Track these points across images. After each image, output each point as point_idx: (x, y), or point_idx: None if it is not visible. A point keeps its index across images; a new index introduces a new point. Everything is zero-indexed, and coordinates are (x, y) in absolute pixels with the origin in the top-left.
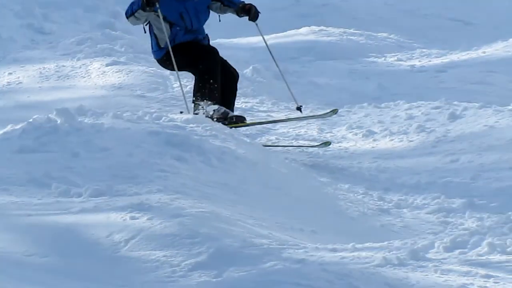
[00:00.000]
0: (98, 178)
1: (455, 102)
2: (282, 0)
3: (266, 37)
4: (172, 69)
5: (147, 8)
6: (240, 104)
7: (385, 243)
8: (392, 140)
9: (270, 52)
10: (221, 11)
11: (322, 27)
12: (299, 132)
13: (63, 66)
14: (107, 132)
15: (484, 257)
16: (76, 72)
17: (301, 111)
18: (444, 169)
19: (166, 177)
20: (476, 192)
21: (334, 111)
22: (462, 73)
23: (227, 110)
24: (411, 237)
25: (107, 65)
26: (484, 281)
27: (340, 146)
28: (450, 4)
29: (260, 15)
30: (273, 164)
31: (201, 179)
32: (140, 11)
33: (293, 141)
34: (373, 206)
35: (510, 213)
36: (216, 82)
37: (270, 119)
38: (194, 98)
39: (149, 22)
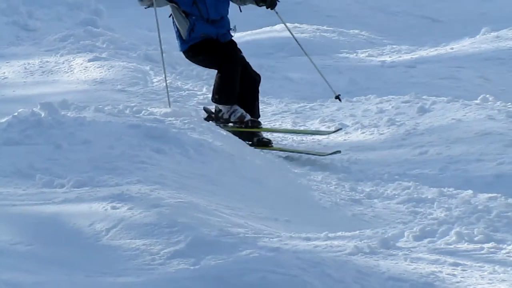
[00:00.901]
0: (81, 169)
1: (424, 97)
2: None
3: (242, 34)
4: (196, 63)
5: None
6: None
7: (357, 232)
8: (363, 133)
9: (296, 40)
10: (241, 2)
11: (296, 24)
12: (274, 125)
13: (47, 61)
14: (89, 125)
15: (452, 246)
16: (60, 68)
17: (340, 100)
18: (413, 161)
19: (145, 168)
20: (445, 183)
21: (338, 130)
22: (431, 68)
23: (244, 114)
24: (382, 226)
25: (89, 60)
26: (452, 269)
27: (313, 139)
28: (419, 2)
29: (278, 3)
30: (249, 156)
31: (179, 171)
32: None
33: (268, 134)
34: (345, 197)
35: (477, 203)
36: (235, 85)
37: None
38: (213, 99)
39: (171, 14)
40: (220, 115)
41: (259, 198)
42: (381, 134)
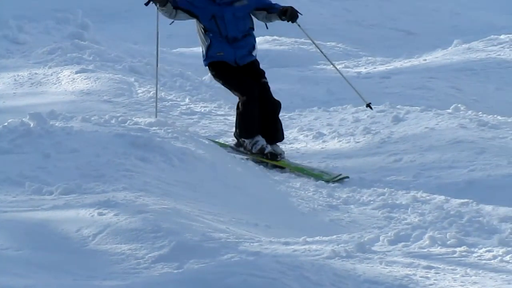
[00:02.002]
0: (68, 177)
1: (398, 106)
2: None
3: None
4: (218, 82)
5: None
6: (199, 109)
7: (334, 236)
8: (340, 141)
9: (321, 51)
10: (267, 19)
11: (275, 37)
12: None
13: (36, 73)
14: (76, 135)
15: (425, 250)
16: (48, 79)
17: (371, 108)
18: (388, 168)
19: (131, 176)
20: (418, 189)
21: (346, 177)
22: (405, 79)
23: (264, 146)
24: (358, 231)
25: (76, 72)
26: (426, 272)
27: (292, 147)
28: (394, 16)
29: (300, 16)
30: (230, 164)
31: (163, 178)
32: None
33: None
34: (323, 203)
35: (449, 208)
36: (254, 120)
37: (228, 122)
38: (235, 133)
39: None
40: (244, 145)
41: (240, 204)
42: (357, 142)
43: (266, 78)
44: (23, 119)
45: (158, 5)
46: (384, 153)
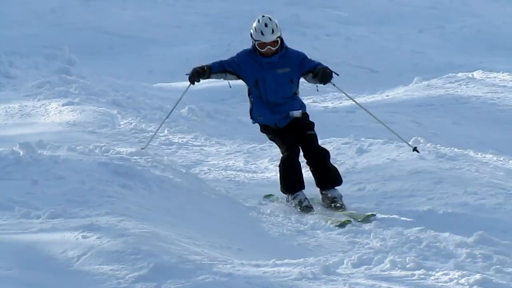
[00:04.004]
0: (55, 202)
1: (362, 138)
2: (214, 50)
3: (197, 83)
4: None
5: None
6: (177, 139)
7: (301, 259)
8: (307, 171)
9: (359, 104)
10: (314, 80)
11: None
12: (227, 164)
13: (26, 105)
14: (63, 163)
15: (386, 273)
16: (37, 111)
17: (418, 151)
18: (352, 196)
19: (113, 201)
20: (380, 216)
21: (372, 215)
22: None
23: (302, 200)
24: (324, 254)
25: (63, 105)
26: None
27: (263, 176)
28: (358, 54)
29: (336, 76)
30: (205, 191)
31: (143, 204)
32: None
33: (222, 171)
34: (291, 228)
35: (409, 234)
36: (294, 176)
37: (203, 152)
38: (280, 188)
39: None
40: (287, 197)
41: (214, 229)
42: None
43: (313, 130)
44: (13, 148)
45: (204, 78)
46: (348, 182)
